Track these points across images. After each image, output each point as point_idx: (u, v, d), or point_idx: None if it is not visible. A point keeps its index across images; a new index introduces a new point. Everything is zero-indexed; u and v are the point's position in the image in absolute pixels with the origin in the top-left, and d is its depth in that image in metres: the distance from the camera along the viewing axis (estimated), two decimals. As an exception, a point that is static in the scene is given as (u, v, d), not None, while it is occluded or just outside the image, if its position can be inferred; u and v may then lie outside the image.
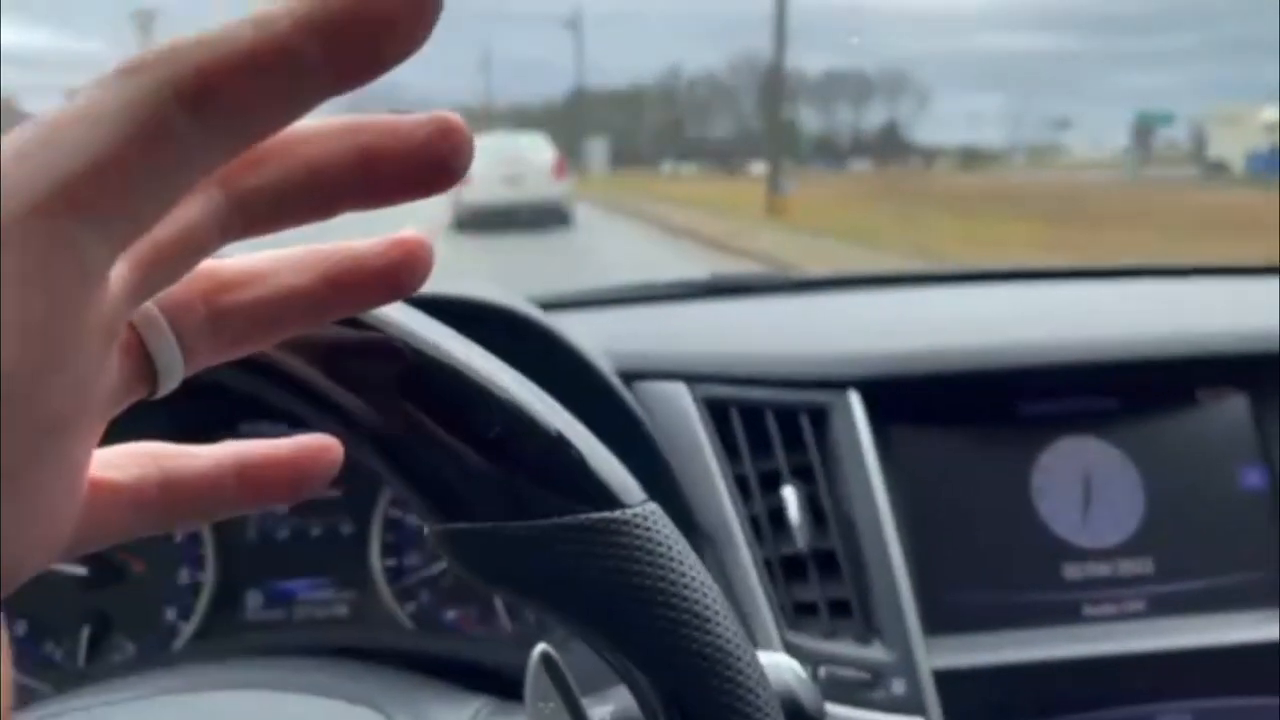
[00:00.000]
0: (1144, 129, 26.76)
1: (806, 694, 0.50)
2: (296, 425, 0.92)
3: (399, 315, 0.31)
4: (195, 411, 0.88)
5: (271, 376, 0.30)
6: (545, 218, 12.28)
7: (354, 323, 0.30)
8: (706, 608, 0.33)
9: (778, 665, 0.52)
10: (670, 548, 0.32)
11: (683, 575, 0.32)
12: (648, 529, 0.32)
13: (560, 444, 0.31)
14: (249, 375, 0.30)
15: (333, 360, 0.30)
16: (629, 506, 0.32)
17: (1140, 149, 26.32)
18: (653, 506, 0.33)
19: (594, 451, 0.32)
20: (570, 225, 12.62)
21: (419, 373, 0.30)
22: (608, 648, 0.33)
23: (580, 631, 0.33)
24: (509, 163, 12.11)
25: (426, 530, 0.32)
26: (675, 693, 0.33)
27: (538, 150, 13.17)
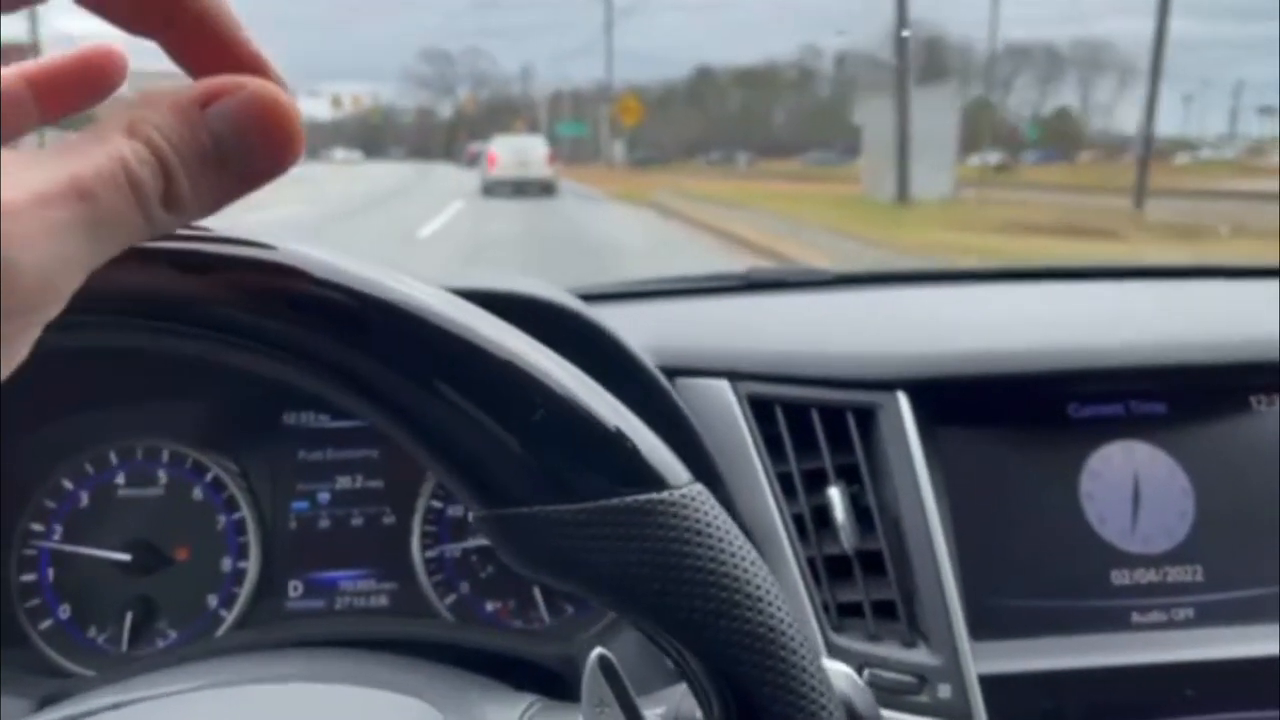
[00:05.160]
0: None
1: (862, 700, 0.49)
2: (340, 415, 0.92)
3: (439, 302, 0.31)
4: (235, 404, 0.88)
5: (312, 364, 0.30)
6: (540, 189, 19.60)
7: (392, 308, 0.30)
8: (758, 588, 0.32)
9: (832, 671, 0.51)
10: (719, 528, 0.32)
11: (733, 556, 0.32)
12: (695, 510, 0.32)
13: (604, 426, 0.31)
14: (286, 364, 0.30)
15: (373, 346, 0.30)
16: (676, 487, 0.32)
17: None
18: (699, 488, 0.33)
19: (638, 433, 0.32)
20: (554, 195, 19.29)
21: (459, 357, 0.30)
22: (658, 631, 0.33)
23: (630, 616, 0.33)
24: (520, 152, 20.33)
25: (472, 517, 0.32)
26: (728, 675, 0.32)
27: (538, 146, 20.97)
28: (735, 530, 0.33)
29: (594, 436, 0.31)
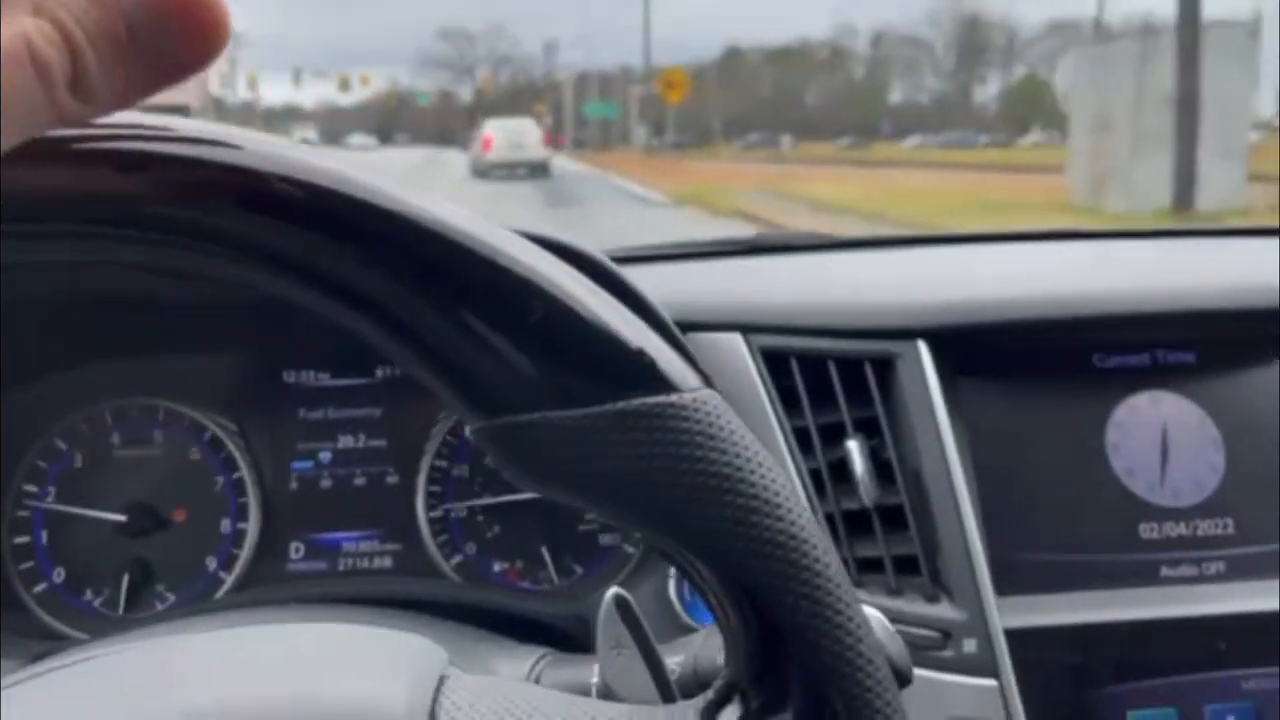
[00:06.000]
0: None
1: (896, 649, 0.47)
2: (341, 372, 0.89)
3: (426, 201, 0.29)
4: (233, 362, 0.86)
5: (298, 273, 0.28)
6: (535, 171, 20.80)
7: (382, 213, 0.28)
8: (776, 494, 0.30)
9: (867, 617, 0.49)
10: (734, 433, 0.30)
11: (749, 461, 0.29)
12: (708, 414, 0.29)
13: (608, 328, 0.29)
14: (274, 275, 0.28)
15: (354, 243, 0.28)
16: (687, 391, 0.29)
17: None
18: (712, 393, 0.30)
19: (644, 336, 0.30)
20: (549, 177, 20.07)
21: (445, 253, 0.28)
22: (671, 545, 0.30)
23: (641, 528, 0.30)
24: (514, 134, 21.43)
25: (469, 430, 0.30)
26: (748, 586, 0.30)
27: (531, 129, 22.20)
28: (751, 437, 0.30)
29: (597, 339, 0.29)
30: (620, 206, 13.74)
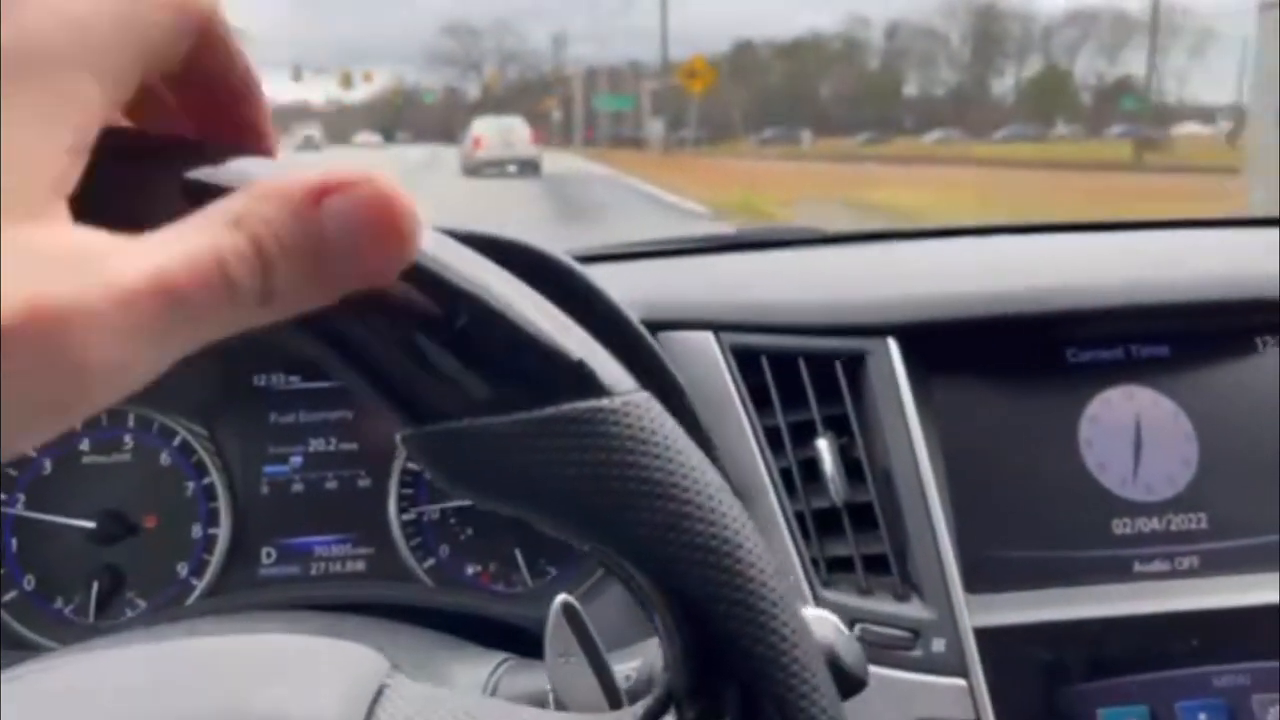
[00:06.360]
0: None
1: (849, 651, 0.46)
2: (312, 376, 0.88)
3: None
4: (202, 366, 0.85)
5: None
6: (525, 168, 21.47)
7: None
8: (710, 498, 0.29)
9: (818, 619, 0.48)
10: (665, 436, 0.29)
11: (681, 465, 0.29)
12: (640, 418, 0.29)
13: (535, 332, 0.28)
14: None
15: None
16: (618, 394, 0.29)
17: None
18: (645, 395, 0.29)
19: (575, 338, 0.29)
20: (539, 175, 20.74)
21: None
22: (605, 553, 0.30)
23: (574, 535, 0.30)
24: (504, 133, 22.37)
25: (399, 437, 0.29)
26: (680, 593, 0.29)
27: (520, 127, 23.03)
28: (685, 439, 0.30)
29: (525, 343, 0.28)
30: (651, 221, 11.34)
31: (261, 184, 0.23)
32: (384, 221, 0.24)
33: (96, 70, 0.22)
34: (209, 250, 0.21)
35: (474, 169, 21.55)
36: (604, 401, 0.28)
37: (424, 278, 0.28)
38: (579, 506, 0.29)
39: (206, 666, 0.38)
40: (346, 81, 62.96)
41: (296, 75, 69.84)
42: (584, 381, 0.29)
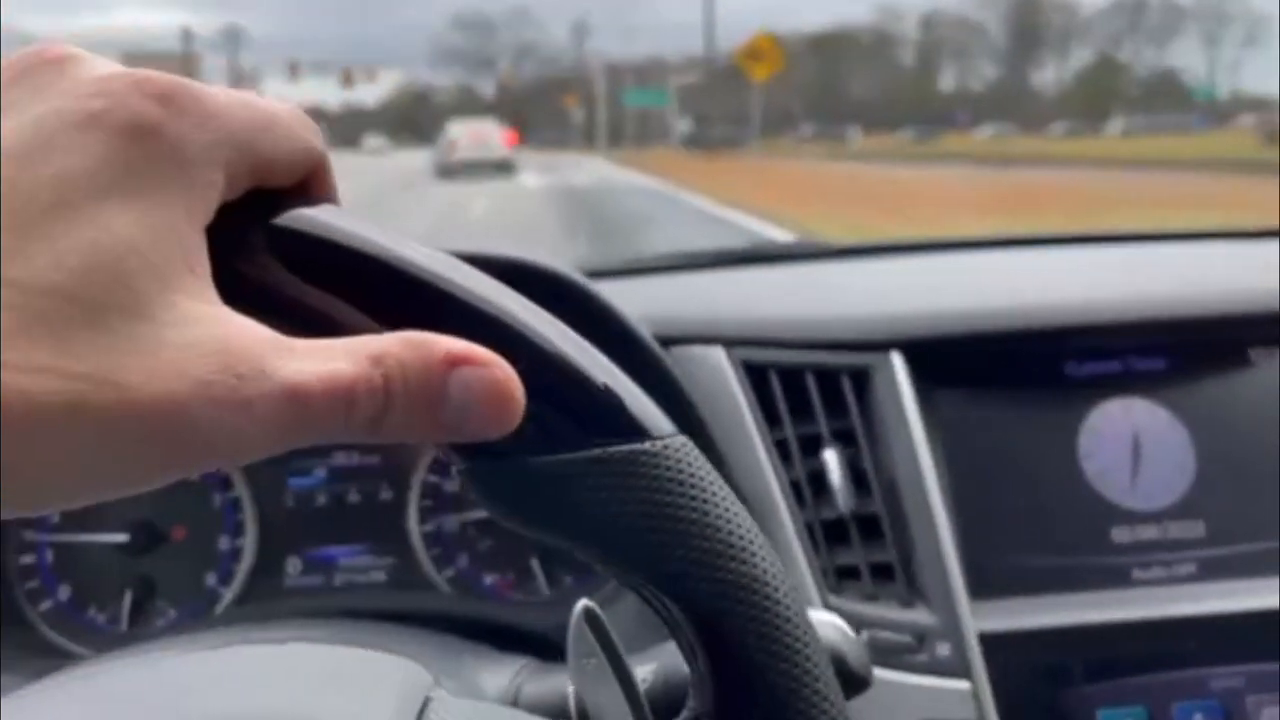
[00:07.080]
0: None
1: (854, 652, 0.49)
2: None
3: (416, 254, 0.30)
4: None
5: (286, 311, 0.29)
6: (500, 169, 22.45)
7: (375, 261, 0.30)
8: (741, 538, 0.32)
9: (824, 623, 0.51)
10: (702, 479, 0.32)
11: (715, 506, 0.32)
12: (678, 460, 0.31)
13: (586, 377, 0.31)
14: (262, 312, 0.30)
15: (353, 293, 0.29)
16: (658, 438, 0.31)
17: None
18: (683, 439, 0.32)
19: (621, 384, 0.32)
20: (513, 175, 21.75)
21: (439, 307, 0.30)
22: (643, 584, 0.32)
23: (614, 568, 0.32)
24: (479, 135, 23.95)
25: (455, 470, 0.32)
26: (713, 626, 0.32)
27: (495, 130, 25.05)
28: (719, 481, 0.32)
29: (576, 387, 0.31)
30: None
31: (411, 336, 0.26)
32: (499, 403, 0.27)
33: (228, 172, 0.26)
34: (348, 375, 0.25)
35: (450, 171, 22.51)
36: (646, 445, 0.31)
37: (489, 323, 0.30)
38: (619, 542, 0.31)
39: (259, 676, 0.40)
40: (348, 79, 61.42)
41: (293, 74, 66.57)
42: (629, 424, 0.31)
